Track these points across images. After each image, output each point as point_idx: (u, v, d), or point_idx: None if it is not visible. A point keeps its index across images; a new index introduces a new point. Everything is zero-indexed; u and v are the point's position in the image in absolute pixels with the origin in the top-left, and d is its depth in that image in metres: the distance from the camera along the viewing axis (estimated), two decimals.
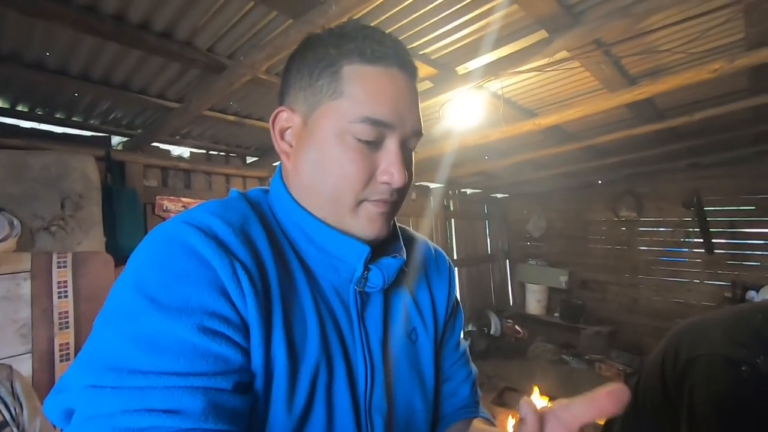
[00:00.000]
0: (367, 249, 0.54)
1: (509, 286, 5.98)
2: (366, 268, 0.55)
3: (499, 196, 5.99)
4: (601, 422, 1.05)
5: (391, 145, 0.53)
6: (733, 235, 4.18)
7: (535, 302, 5.31)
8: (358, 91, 0.52)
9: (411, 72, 0.56)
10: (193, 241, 0.45)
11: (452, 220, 5.10)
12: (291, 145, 0.58)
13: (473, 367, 0.77)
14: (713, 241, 4.08)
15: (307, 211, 0.55)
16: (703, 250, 4.17)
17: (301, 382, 0.48)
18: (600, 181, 5.00)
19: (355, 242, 0.54)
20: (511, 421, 2.90)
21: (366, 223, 0.55)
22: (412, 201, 4.49)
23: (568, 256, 5.35)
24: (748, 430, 0.58)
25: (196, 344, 0.41)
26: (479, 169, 3.97)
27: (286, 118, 0.57)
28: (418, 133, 0.56)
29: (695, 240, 4.27)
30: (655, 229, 4.72)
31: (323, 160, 0.53)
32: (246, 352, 0.45)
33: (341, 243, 0.54)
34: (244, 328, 0.45)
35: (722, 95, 2.45)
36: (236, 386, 0.43)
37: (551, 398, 3.07)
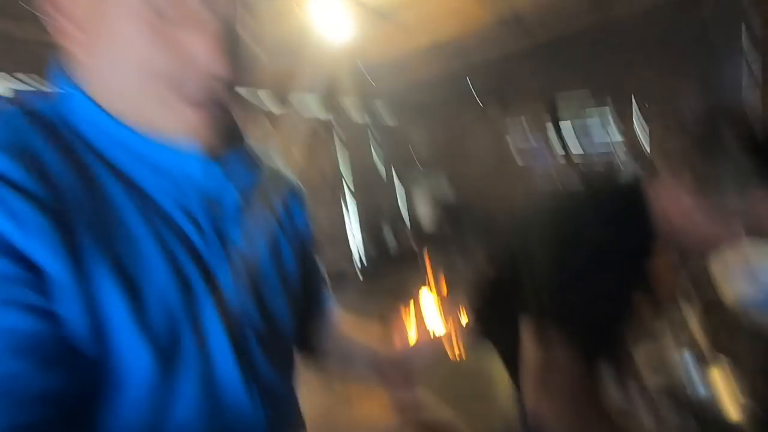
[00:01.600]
0: (199, 155, 0.47)
1: (403, 205, 6.21)
2: (207, 175, 0.49)
3: (386, 118, 5.97)
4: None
5: (203, 20, 0.42)
6: None
7: (426, 217, 5.64)
8: None
9: None
10: None
11: (342, 148, 5.02)
12: (80, 26, 0.42)
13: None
14: None
15: (118, 119, 0.44)
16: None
17: (154, 321, 0.40)
18: (471, 86, 5.11)
19: (185, 149, 0.46)
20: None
21: (188, 125, 0.45)
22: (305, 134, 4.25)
23: (451, 166, 5.60)
24: None
25: None
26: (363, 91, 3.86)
27: None
28: (244, 3, 0.45)
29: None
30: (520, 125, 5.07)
31: (119, 47, 0.41)
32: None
33: (170, 153, 0.46)
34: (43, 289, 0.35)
35: None
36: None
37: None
